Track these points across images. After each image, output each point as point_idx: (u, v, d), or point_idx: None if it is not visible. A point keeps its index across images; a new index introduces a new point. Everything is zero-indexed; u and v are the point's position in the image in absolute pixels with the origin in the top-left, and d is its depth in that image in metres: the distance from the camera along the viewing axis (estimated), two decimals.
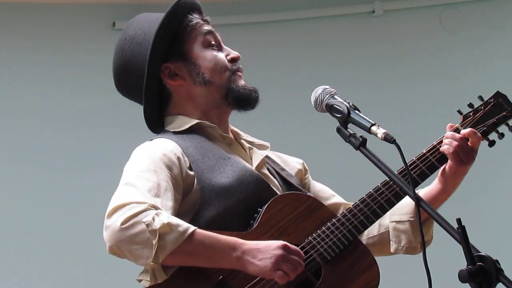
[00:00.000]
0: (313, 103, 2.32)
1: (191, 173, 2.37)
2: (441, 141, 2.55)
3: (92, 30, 5.09)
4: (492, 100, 2.63)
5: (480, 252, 1.95)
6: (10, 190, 4.85)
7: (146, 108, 2.54)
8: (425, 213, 2.53)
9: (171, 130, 2.50)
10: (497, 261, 1.93)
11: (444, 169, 2.56)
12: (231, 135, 2.58)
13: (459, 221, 1.96)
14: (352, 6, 5.53)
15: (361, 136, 2.22)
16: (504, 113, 2.61)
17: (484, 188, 5.24)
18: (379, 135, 2.16)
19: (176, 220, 2.21)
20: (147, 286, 2.23)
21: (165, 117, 2.56)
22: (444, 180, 2.57)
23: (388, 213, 2.56)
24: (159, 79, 2.52)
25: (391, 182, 2.46)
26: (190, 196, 2.36)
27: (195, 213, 2.35)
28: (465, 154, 2.52)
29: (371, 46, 5.51)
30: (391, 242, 2.62)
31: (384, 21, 5.57)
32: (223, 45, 2.60)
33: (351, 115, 2.23)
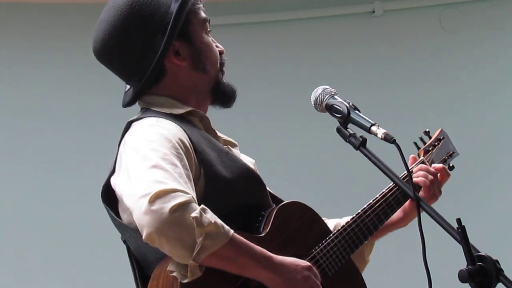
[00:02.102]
0: (313, 103, 2.32)
1: (198, 163, 2.29)
2: (411, 172, 2.59)
3: (92, 30, 5.08)
4: (441, 138, 2.74)
5: (480, 252, 1.95)
6: (10, 190, 4.86)
7: (149, 77, 2.38)
8: (374, 237, 2.64)
9: (163, 111, 2.38)
10: (497, 261, 1.94)
11: (412, 200, 2.58)
12: None
13: (459, 221, 1.97)
14: (352, 6, 5.54)
15: (361, 136, 2.22)
16: (451, 152, 2.73)
17: (484, 188, 5.23)
18: (379, 135, 2.16)
19: (219, 220, 2.13)
20: (183, 281, 2.14)
21: (146, 95, 2.44)
22: (408, 210, 2.62)
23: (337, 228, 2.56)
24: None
25: (379, 200, 2.52)
26: (196, 188, 2.25)
27: None
28: (436, 188, 2.59)
29: (371, 46, 5.51)
30: None
31: (384, 21, 5.57)
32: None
33: (351, 115, 2.23)
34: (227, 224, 2.18)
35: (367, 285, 2.48)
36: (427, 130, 2.74)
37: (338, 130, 2.27)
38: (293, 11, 5.48)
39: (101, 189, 2.38)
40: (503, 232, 5.25)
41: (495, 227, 5.20)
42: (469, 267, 1.93)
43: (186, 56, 2.42)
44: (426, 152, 2.69)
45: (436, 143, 2.71)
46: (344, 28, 5.54)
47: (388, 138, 2.14)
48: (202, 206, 2.11)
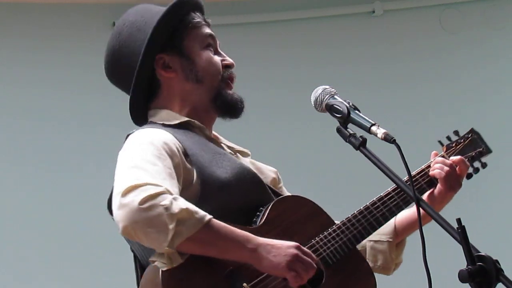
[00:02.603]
0: (313, 103, 2.33)
1: (189, 166, 2.35)
2: (429, 166, 2.60)
3: (92, 30, 5.09)
4: (469, 136, 2.72)
5: (480, 252, 1.95)
6: (10, 190, 4.85)
7: (133, 95, 2.51)
8: (401, 235, 2.64)
9: (160, 122, 2.47)
10: (497, 261, 1.94)
11: (431, 193, 2.60)
12: None
13: (459, 221, 1.97)
14: (352, 6, 5.53)
15: (361, 136, 2.23)
16: (480, 149, 2.72)
17: (484, 188, 5.23)
18: (379, 135, 2.16)
19: (193, 206, 2.18)
20: (164, 269, 2.20)
21: (149, 110, 2.53)
22: (437, 197, 2.60)
23: None
24: (152, 68, 2.50)
25: (390, 195, 2.51)
26: (190, 190, 2.32)
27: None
28: (454, 180, 2.57)
29: (371, 46, 5.51)
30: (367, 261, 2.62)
31: (384, 21, 5.57)
32: (220, 50, 2.59)
33: (351, 115, 2.23)
34: (224, 221, 2.23)
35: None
36: (457, 130, 2.72)
37: (338, 130, 2.27)
38: (293, 11, 5.48)
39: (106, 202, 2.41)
40: (503, 232, 5.25)
41: (495, 227, 5.20)
42: (469, 267, 1.93)
43: (177, 68, 2.51)
44: (449, 148, 2.68)
45: (461, 141, 2.70)
46: (344, 28, 5.54)
47: (388, 138, 2.14)
48: (174, 195, 2.17)
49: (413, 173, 2.56)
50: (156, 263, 2.22)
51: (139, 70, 2.48)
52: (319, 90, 2.32)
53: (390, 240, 2.63)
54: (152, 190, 2.15)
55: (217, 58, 2.55)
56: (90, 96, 4.99)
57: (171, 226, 2.12)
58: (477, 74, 5.53)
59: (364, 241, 2.60)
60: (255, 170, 2.56)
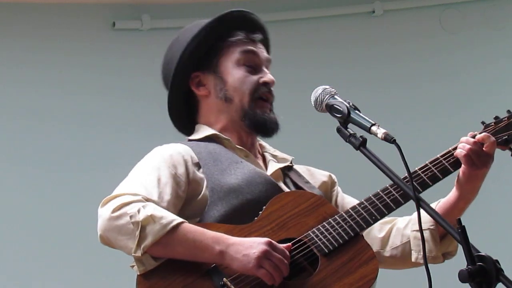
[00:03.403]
0: (313, 103, 2.33)
1: (201, 175, 2.43)
2: (456, 147, 2.54)
3: (92, 30, 5.09)
4: None
5: (480, 252, 1.95)
6: (10, 190, 4.85)
7: (170, 111, 2.62)
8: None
9: (187, 138, 2.59)
10: (497, 261, 1.94)
11: (459, 174, 2.55)
12: (258, 150, 2.63)
13: (459, 221, 1.97)
14: (352, 6, 5.53)
15: (361, 136, 2.23)
16: None
17: (484, 188, 5.22)
18: (379, 135, 2.16)
19: (161, 213, 2.26)
20: (139, 273, 2.29)
21: (196, 125, 2.64)
22: (459, 186, 2.56)
23: (410, 223, 2.59)
24: (189, 85, 2.59)
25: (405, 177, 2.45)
26: (200, 198, 2.41)
27: (203, 213, 2.39)
28: (478, 157, 2.50)
29: (371, 46, 5.51)
30: (412, 251, 2.59)
31: (384, 21, 5.57)
32: (264, 68, 2.61)
33: (351, 115, 2.24)
34: (230, 221, 2.33)
35: None
36: (509, 109, 2.65)
37: (338, 130, 2.27)
38: (293, 11, 5.48)
39: None
40: (503, 232, 5.24)
41: (495, 227, 5.20)
42: (469, 267, 1.93)
43: (209, 86, 2.60)
44: (487, 127, 2.61)
45: (505, 119, 2.61)
46: (344, 28, 5.54)
47: (388, 138, 2.14)
48: (145, 203, 2.27)
49: (438, 155, 2.54)
50: (134, 268, 2.30)
51: (171, 88, 2.58)
52: (319, 90, 2.33)
53: (432, 227, 2.55)
54: (125, 199, 2.27)
55: (252, 77, 2.58)
56: (90, 96, 4.99)
57: (137, 233, 2.22)
58: (477, 74, 5.53)
59: (408, 231, 2.60)
60: (306, 176, 2.62)
